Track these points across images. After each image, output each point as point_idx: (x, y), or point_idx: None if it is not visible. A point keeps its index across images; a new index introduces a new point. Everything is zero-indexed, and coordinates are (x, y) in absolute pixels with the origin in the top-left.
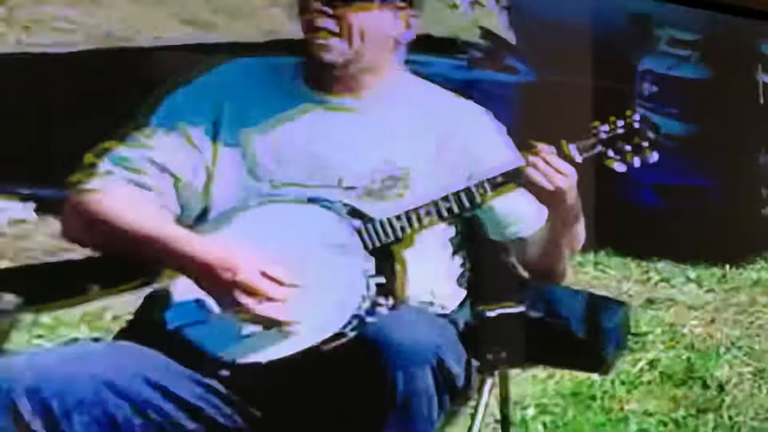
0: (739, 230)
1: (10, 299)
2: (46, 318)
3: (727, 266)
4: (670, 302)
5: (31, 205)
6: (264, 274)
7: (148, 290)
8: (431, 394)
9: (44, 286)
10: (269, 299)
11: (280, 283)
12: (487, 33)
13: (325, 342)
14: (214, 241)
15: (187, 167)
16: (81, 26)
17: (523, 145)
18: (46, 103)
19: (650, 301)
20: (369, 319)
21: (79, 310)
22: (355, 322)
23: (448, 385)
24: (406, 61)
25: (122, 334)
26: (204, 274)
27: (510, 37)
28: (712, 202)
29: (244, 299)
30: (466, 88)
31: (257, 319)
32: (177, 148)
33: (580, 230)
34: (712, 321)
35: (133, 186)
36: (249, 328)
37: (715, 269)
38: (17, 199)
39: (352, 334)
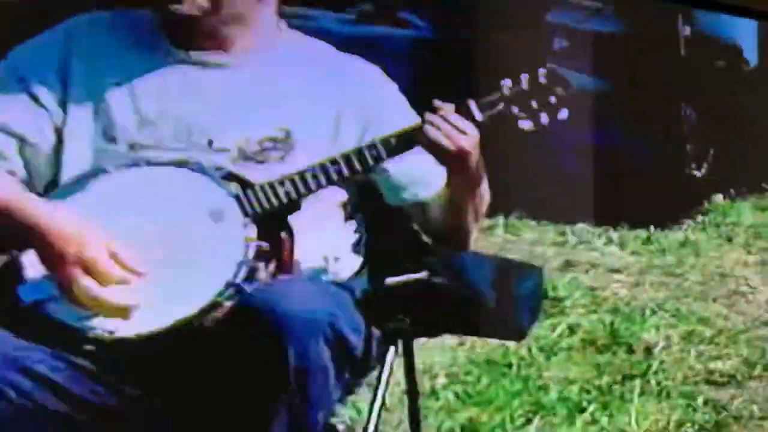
0: (664, 190)
1: None
2: None
3: (652, 228)
4: (590, 265)
5: None
6: (113, 257)
7: None
8: (327, 367)
9: None
10: (113, 283)
11: (130, 271)
12: None
13: (201, 313)
14: (64, 208)
15: (33, 128)
16: None
17: (420, 103)
18: None
19: (569, 264)
20: (247, 287)
21: None
22: (231, 291)
23: (346, 355)
24: (286, 15)
25: None
26: (46, 244)
27: None
28: (634, 161)
29: (84, 280)
30: (353, 44)
31: (95, 305)
32: (20, 107)
33: (485, 192)
34: (637, 284)
35: None
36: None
37: (640, 231)
38: None
39: (228, 304)
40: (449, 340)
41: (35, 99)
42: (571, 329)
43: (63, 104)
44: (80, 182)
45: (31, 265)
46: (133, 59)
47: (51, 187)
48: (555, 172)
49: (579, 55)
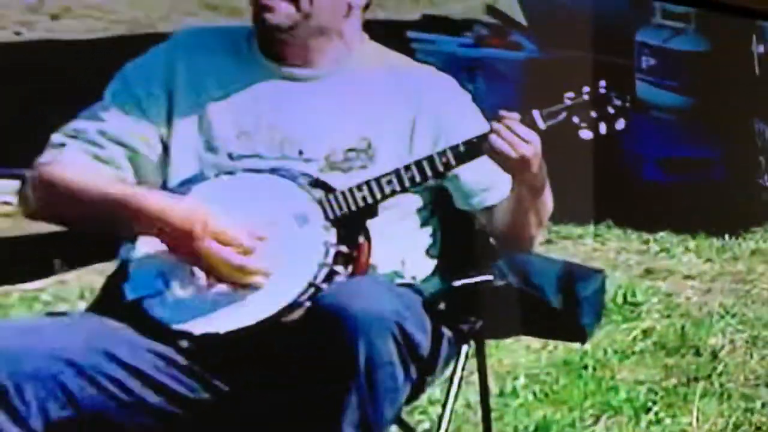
0: (739, 200)
1: None
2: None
3: (727, 236)
4: (668, 272)
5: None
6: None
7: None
8: (394, 364)
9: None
10: (238, 251)
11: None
12: (492, 10)
13: (283, 312)
14: (178, 197)
15: (142, 139)
16: (107, 14)
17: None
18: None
19: (648, 271)
20: (324, 287)
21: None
22: (311, 291)
23: (412, 354)
24: (412, 39)
25: (89, 309)
26: (170, 225)
27: (517, 14)
28: (712, 173)
29: (216, 247)
30: (473, 65)
31: (229, 275)
32: (131, 120)
33: (547, 198)
34: (708, 290)
35: (89, 158)
36: (208, 296)
37: (714, 239)
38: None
39: (307, 304)
40: (534, 342)
41: (144, 112)
42: (645, 333)
43: (169, 117)
44: (183, 186)
45: (140, 260)
46: (231, 74)
47: None
48: (639, 182)
49: (665, 72)
